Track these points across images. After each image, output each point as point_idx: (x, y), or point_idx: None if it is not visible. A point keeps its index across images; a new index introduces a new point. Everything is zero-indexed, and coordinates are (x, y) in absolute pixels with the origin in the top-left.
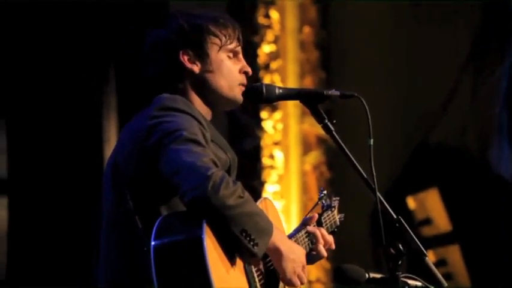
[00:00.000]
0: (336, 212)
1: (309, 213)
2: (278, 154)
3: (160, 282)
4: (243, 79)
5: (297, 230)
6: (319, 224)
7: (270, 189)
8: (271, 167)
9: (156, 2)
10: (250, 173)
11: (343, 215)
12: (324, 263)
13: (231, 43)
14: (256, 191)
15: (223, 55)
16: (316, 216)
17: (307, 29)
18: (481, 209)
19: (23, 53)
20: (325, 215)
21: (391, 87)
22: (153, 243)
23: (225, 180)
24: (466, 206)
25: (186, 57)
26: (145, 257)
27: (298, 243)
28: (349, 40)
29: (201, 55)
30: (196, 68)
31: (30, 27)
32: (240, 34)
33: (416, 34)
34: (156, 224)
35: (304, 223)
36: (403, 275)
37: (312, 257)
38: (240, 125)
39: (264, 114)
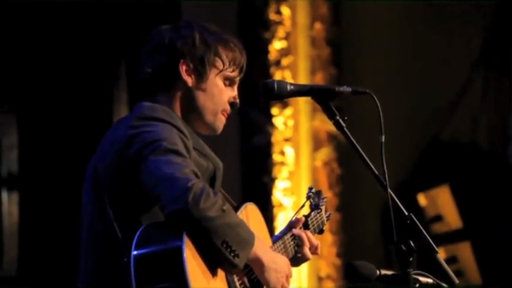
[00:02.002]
0: (323, 212)
1: (297, 213)
2: (289, 150)
3: None
4: (228, 109)
5: (283, 233)
6: (305, 226)
7: (280, 186)
8: (282, 163)
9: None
10: (260, 169)
11: (330, 213)
12: (334, 260)
13: (233, 71)
14: (266, 187)
15: (219, 80)
16: (303, 219)
17: (318, 26)
18: (492, 206)
19: (34, 50)
20: (312, 215)
21: (402, 84)
22: (133, 253)
23: (205, 192)
24: (477, 203)
25: (184, 67)
26: (124, 268)
27: (285, 246)
28: (361, 36)
29: (200, 72)
30: (190, 81)
31: (41, 24)
32: (245, 64)
33: (427, 31)
34: (137, 234)
35: (290, 226)
36: (414, 271)
37: (297, 259)
38: (251, 121)
39: (274, 110)
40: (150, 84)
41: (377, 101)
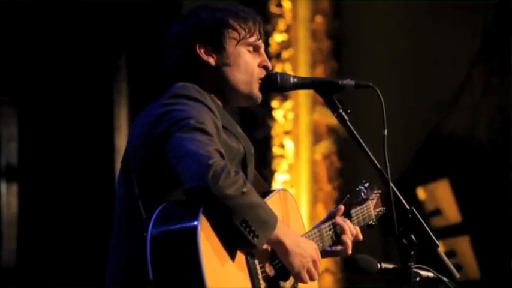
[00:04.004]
0: (371, 206)
1: (338, 204)
2: (288, 143)
3: (154, 270)
4: (262, 73)
5: (322, 222)
6: (348, 216)
7: (280, 179)
8: (282, 156)
9: None
10: (260, 162)
11: (384, 208)
12: None
13: (250, 36)
14: (266, 180)
15: (242, 49)
16: (342, 208)
17: (319, 19)
18: (491, 200)
19: (34, 42)
20: (357, 208)
21: (402, 78)
22: (150, 230)
23: (226, 170)
24: (476, 197)
25: (202, 50)
26: (144, 244)
27: (321, 234)
28: (361, 30)
29: (218, 48)
30: (212, 60)
31: (42, 17)
32: (262, 28)
33: (428, 25)
34: (156, 211)
35: (331, 215)
36: (415, 265)
37: (335, 249)
38: (251, 114)
39: (274, 103)
40: (175, 76)
41: (380, 94)
